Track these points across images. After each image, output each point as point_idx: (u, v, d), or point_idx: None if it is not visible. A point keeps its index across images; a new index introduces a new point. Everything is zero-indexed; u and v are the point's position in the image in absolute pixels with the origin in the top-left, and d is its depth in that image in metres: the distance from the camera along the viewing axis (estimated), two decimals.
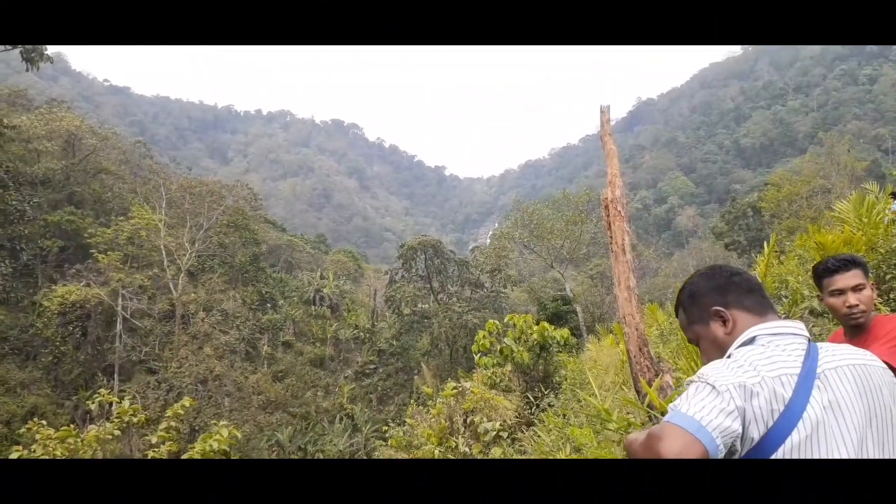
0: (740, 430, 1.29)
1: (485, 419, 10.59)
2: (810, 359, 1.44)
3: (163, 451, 7.65)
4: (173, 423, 7.71)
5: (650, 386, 5.21)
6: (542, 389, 12.59)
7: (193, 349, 32.22)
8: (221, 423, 8.04)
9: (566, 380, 12.33)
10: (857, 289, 2.69)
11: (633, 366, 5.76)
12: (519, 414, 11.53)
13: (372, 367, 39.52)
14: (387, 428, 15.88)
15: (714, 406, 1.29)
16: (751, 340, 1.53)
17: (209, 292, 37.13)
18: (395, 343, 39.07)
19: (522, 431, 10.41)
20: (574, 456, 6.13)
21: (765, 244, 11.15)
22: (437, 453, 10.11)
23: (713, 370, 1.40)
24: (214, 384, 30.60)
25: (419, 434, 11.46)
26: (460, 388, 11.91)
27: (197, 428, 26.03)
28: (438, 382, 22.09)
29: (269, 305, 42.75)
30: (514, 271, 45.31)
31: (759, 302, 1.62)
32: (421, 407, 13.82)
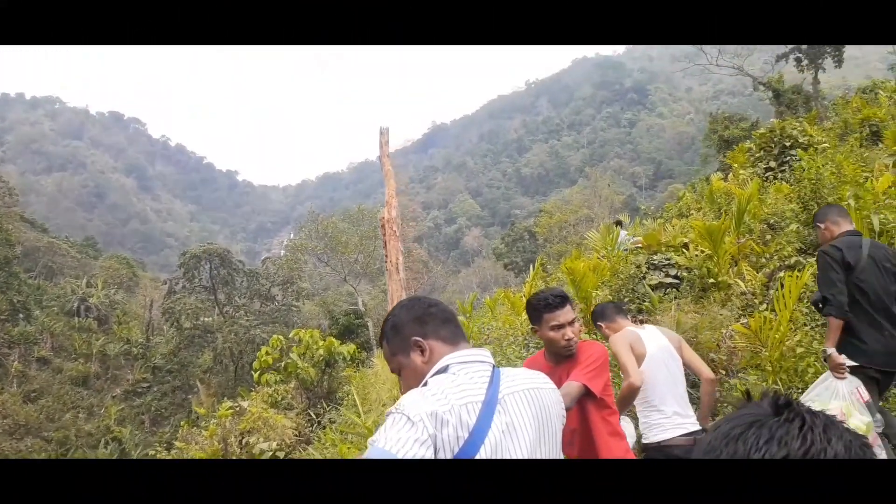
0: (432, 458, 1.38)
1: (262, 439, 10.23)
2: (493, 385, 1.57)
3: None
4: None
5: None
6: (325, 405, 12.51)
7: None
8: None
9: (349, 395, 12.38)
10: (572, 323, 2.92)
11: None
12: (299, 432, 11.33)
13: (145, 385, 36.17)
14: (154, 452, 14.65)
15: (409, 437, 1.37)
16: (444, 369, 1.63)
17: None
18: (172, 359, 36.20)
19: (301, 450, 10.24)
20: None
21: (531, 267, 12.25)
22: None
23: (410, 400, 1.48)
24: None
25: (190, 457, 10.73)
26: (237, 408, 11.41)
27: None
28: (217, 401, 20.91)
29: (21, 316, 37.40)
30: (308, 284, 44.61)
31: (453, 332, 1.73)
32: (195, 428, 12.97)
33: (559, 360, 2.99)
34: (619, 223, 14.07)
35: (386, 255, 6.38)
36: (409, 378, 1.71)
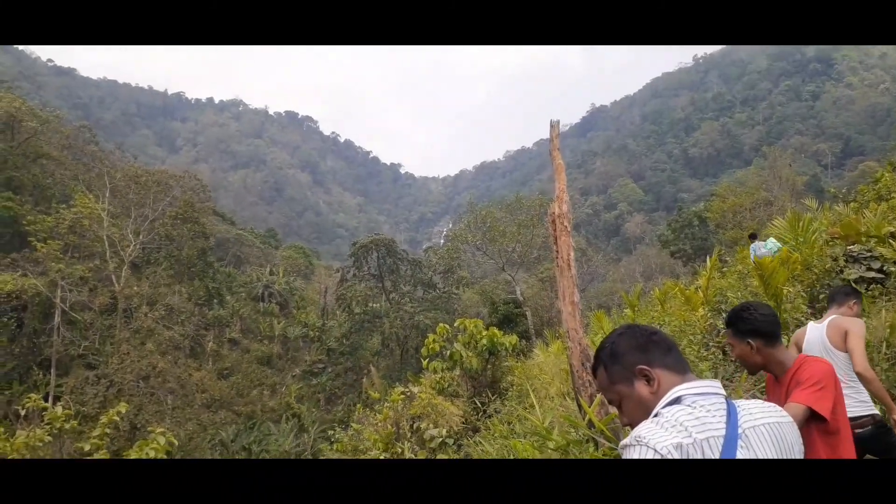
0: None
1: (431, 425, 10.61)
2: (732, 419, 1.49)
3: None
4: (108, 431, 7.44)
5: (591, 402, 5.32)
6: (490, 395, 12.70)
7: (135, 344, 31.26)
8: (159, 430, 7.80)
9: (513, 386, 12.46)
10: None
11: (575, 380, 5.87)
12: (466, 419, 11.60)
13: (320, 366, 39.11)
14: (332, 432, 15.73)
15: None
16: (677, 400, 1.55)
17: (153, 286, 36.14)
18: (345, 342, 38.76)
19: (469, 438, 10.48)
20: None
21: (708, 258, 11.51)
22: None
23: (649, 432, 1.44)
24: (157, 381, 29.73)
25: (365, 438, 11.40)
26: (408, 393, 11.92)
27: (138, 426, 25.31)
28: (387, 384, 22.02)
29: (215, 301, 41.85)
30: (467, 272, 45.55)
31: (678, 360, 1.65)
32: (368, 410, 13.75)
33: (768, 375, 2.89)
34: (752, 236, 13.07)
35: (556, 251, 6.26)
36: (632, 409, 1.65)
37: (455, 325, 15.53)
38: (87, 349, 31.04)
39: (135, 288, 34.59)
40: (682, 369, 1.64)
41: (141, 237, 37.03)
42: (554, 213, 6.76)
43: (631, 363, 1.65)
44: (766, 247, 12.72)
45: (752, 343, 2.81)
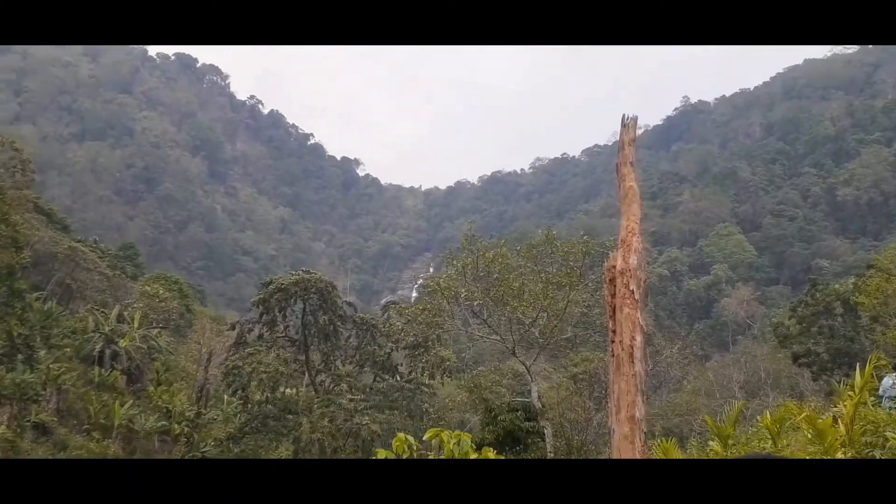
0: None
1: None
2: None
3: None
4: None
5: None
6: None
7: None
8: None
9: None
10: None
11: None
12: None
13: None
14: None
15: None
16: None
17: None
18: (232, 448, 38.28)
19: None
20: None
21: (857, 370, 11.50)
22: None
23: None
24: None
25: None
26: None
27: None
28: None
29: (20, 357, 41.31)
30: (451, 351, 45.08)
31: None
32: None
33: None
34: None
35: (613, 330, 6.22)
36: None
37: (424, 438, 15.38)
38: None
39: None
40: None
41: None
42: (615, 267, 6.70)
43: None
44: None
45: None
